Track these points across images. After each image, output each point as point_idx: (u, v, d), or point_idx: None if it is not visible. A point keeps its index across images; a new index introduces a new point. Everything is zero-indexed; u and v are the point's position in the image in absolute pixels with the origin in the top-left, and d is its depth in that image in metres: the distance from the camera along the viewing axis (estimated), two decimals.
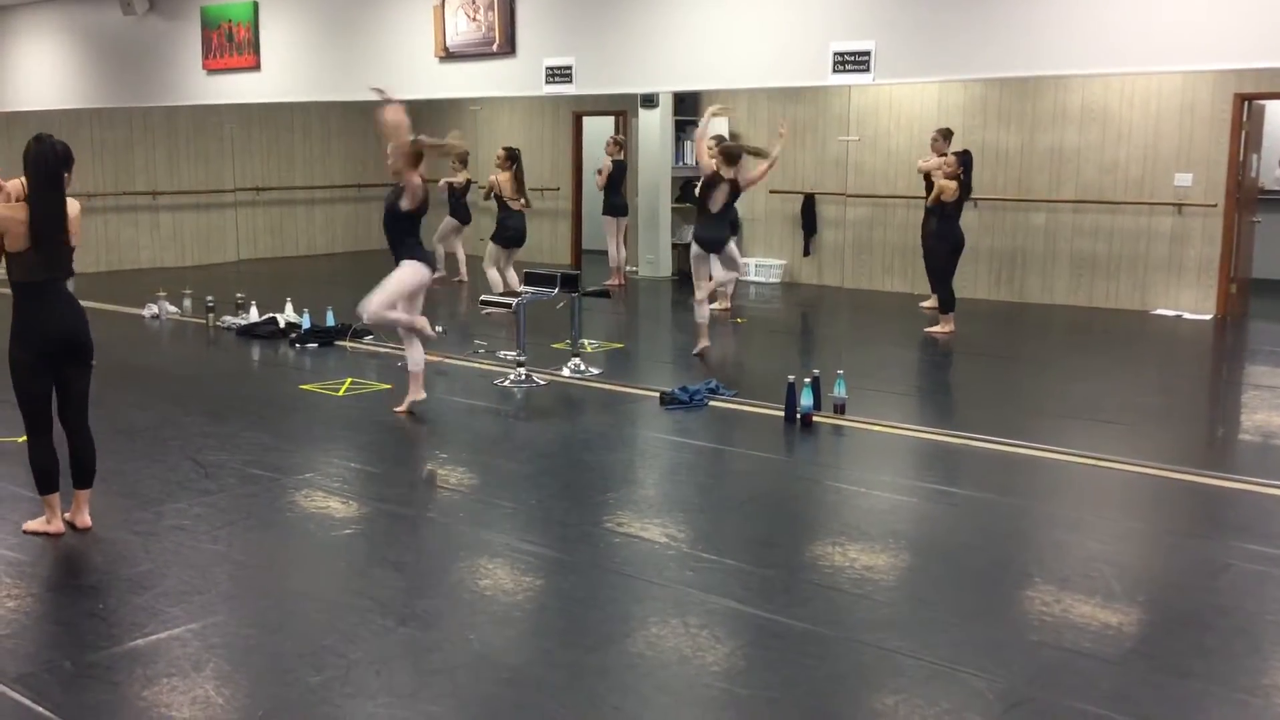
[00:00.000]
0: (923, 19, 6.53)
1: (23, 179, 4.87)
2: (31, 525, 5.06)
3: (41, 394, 4.93)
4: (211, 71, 10.20)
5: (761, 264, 13.68)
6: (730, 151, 8.73)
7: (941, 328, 10.17)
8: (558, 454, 6.55)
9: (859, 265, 13.03)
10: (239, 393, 8.22)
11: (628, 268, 13.77)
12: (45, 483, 5.01)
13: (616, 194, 13.12)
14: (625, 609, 4.34)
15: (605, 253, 13.50)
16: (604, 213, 13.27)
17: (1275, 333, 10.92)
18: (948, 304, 10.20)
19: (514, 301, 8.25)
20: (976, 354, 9.73)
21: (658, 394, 7.58)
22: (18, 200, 4.84)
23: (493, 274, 11.18)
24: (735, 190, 8.75)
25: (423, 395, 7.30)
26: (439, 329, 9.92)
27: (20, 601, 4.47)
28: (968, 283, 12.30)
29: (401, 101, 6.95)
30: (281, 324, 10.09)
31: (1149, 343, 10.29)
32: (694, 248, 8.95)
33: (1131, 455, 6.25)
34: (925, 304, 11.31)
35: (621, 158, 13.11)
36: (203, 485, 5.77)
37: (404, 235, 7.09)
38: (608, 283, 12.59)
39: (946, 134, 11.12)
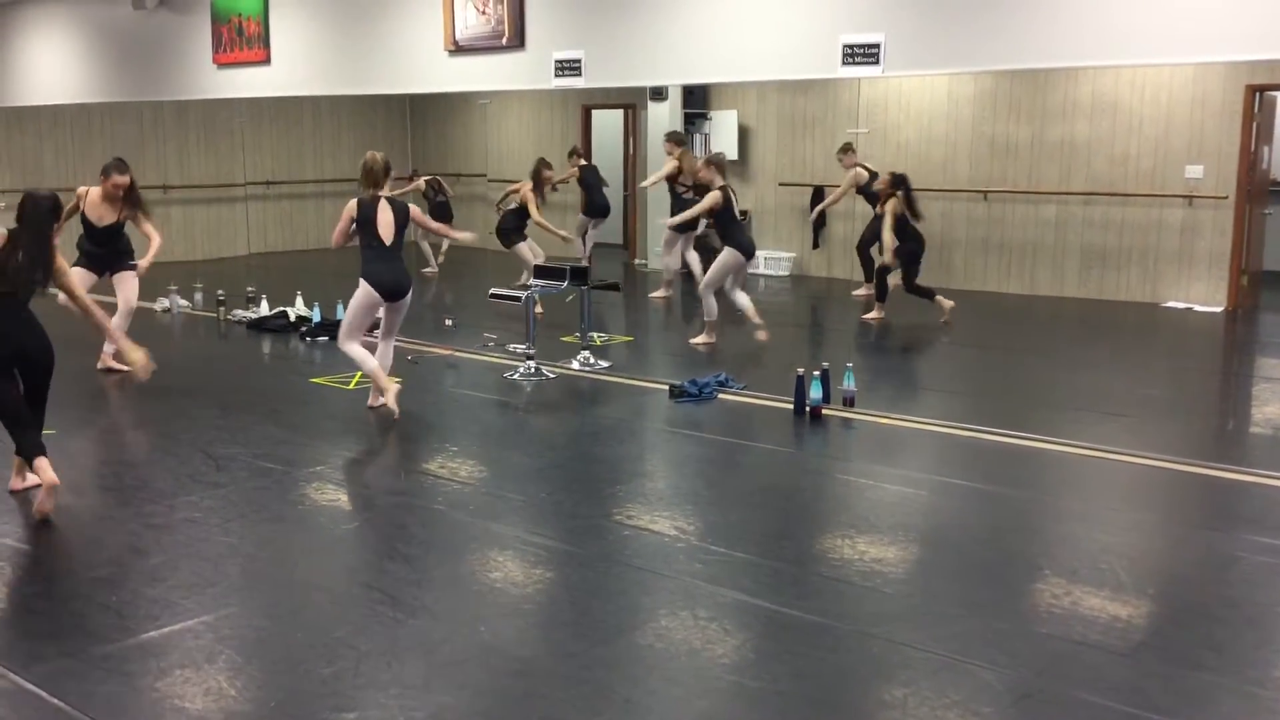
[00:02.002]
0: (932, 11, 6.52)
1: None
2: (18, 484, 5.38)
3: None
4: (222, 66, 10.22)
5: (771, 257, 13.66)
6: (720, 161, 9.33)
7: (876, 314, 10.51)
8: (567, 447, 6.56)
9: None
10: (250, 386, 8.25)
11: (637, 261, 13.73)
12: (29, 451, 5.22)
13: (600, 194, 13.00)
14: (635, 601, 4.36)
15: (614, 246, 13.37)
16: (583, 212, 13.06)
17: None
18: (884, 292, 10.55)
19: (522, 294, 8.27)
20: (986, 346, 9.72)
21: (667, 387, 7.58)
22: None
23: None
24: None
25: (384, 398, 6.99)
26: (448, 322, 9.96)
27: (33, 593, 4.50)
28: (977, 275, 12.31)
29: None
30: (292, 317, 10.13)
31: (1159, 335, 10.27)
32: (740, 257, 9.10)
33: (1141, 448, 6.24)
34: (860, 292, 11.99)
35: (584, 162, 13.02)
36: (214, 478, 5.80)
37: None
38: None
39: (846, 147, 11.94)
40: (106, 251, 8.21)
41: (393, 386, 6.98)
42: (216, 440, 6.49)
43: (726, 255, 9.13)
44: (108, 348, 8.26)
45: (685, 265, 11.86)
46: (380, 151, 7.26)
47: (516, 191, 11.26)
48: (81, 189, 8.35)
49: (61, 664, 3.80)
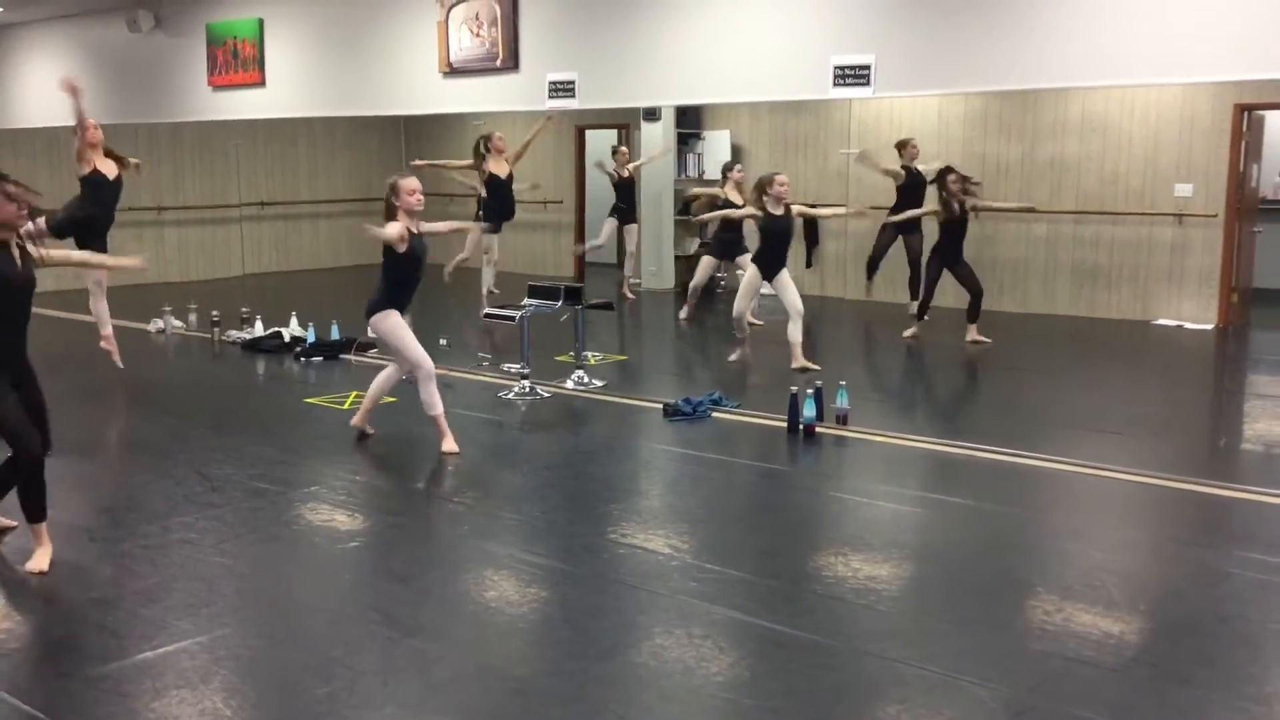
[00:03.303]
0: (922, 32, 6.58)
1: None
2: None
3: None
4: (217, 88, 10.26)
5: None
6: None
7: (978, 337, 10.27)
8: (562, 466, 6.58)
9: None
10: (244, 406, 8.26)
11: (632, 280, 13.77)
12: None
13: (631, 199, 13.26)
14: (629, 619, 4.37)
15: (612, 265, 13.46)
16: (622, 220, 13.32)
17: (1276, 342, 10.93)
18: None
19: (517, 314, 8.29)
20: (979, 364, 9.75)
21: (661, 406, 7.61)
22: None
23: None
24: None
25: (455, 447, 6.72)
26: (443, 342, 9.97)
27: (29, 615, 4.50)
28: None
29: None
30: (286, 338, 10.13)
31: (1150, 353, 10.31)
32: (760, 276, 9.25)
33: (1133, 465, 6.27)
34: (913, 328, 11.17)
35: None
36: (209, 498, 5.81)
37: None
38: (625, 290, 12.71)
39: (903, 144, 11.58)
40: (103, 215, 8.39)
41: (363, 421, 7.04)
42: (211, 460, 6.49)
43: (752, 273, 9.27)
44: (104, 330, 8.45)
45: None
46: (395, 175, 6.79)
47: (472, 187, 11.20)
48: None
49: (57, 685, 3.80)
